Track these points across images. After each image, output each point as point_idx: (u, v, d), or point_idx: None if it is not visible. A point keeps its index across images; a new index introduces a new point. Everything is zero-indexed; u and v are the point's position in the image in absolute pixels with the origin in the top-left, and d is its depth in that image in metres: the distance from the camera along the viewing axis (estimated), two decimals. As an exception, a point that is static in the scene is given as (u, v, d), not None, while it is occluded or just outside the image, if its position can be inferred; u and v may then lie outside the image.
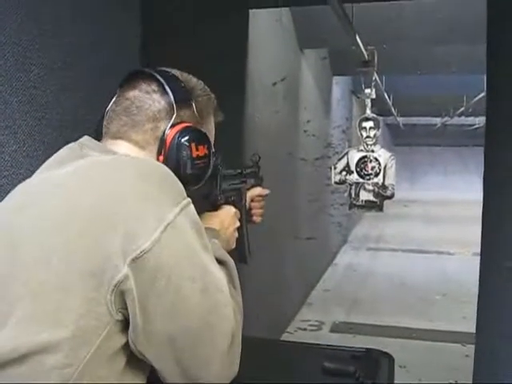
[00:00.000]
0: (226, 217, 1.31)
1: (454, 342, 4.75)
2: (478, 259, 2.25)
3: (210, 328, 0.91)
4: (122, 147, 1.06)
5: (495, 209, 1.96)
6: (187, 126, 1.07)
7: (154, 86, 1.08)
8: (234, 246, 1.31)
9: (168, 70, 1.12)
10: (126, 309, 0.87)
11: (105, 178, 0.93)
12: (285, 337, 4.99)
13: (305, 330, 5.37)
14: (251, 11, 3.50)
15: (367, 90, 4.52)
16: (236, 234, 1.34)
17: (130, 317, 0.87)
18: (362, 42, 4.03)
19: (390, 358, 1.87)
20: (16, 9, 1.32)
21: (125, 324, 0.89)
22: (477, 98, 7.68)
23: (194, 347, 0.90)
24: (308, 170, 6.24)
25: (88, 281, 0.85)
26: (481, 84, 2.16)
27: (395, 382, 1.85)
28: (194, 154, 1.07)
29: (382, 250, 9.68)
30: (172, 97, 1.06)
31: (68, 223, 0.88)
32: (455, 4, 4.53)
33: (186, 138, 1.06)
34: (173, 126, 1.06)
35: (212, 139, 1.17)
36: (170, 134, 1.06)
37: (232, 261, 1.11)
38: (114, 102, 1.10)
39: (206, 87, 1.16)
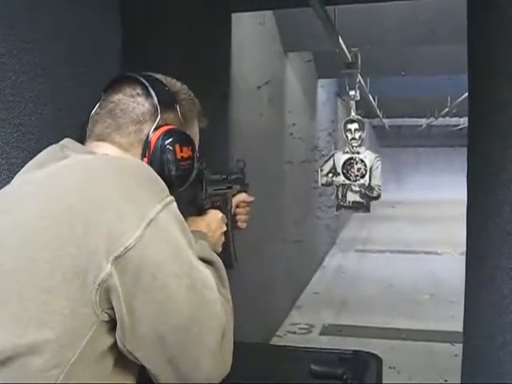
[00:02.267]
0: (213, 220, 1.32)
1: (443, 341, 4.77)
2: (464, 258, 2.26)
3: (198, 325, 0.91)
4: (106, 149, 1.06)
5: (479, 208, 1.97)
6: (171, 128, 1.08)
7: (139, 90, 1.09)
8: (220, 249, 1.31)
9: (152, 74, 1.13)
10: (112, 309, 0.87)
11: (85, 178, 0.93)
12: (274, 340, 4.98)
13: (294, 333, 5.37)
14: (234, 15, 3.49)
15: (351, 92, 4.53)
16: (223, 238, 1.35)
17: (117, 316, 0.87)
18: (345, 44, 4.04)
19: (377, 360, 1.88)
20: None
21: (111, 324, 0.89)
22: (461, 99, 7.72)
23: (183, 345, 0.90)
24: (295, 173, 6.24)
25: (72, 282, 0.85)
26: (464, 84, 2.16)
27: (384, 382, 1.85)
28: (178, 155, 1.08)
29: (370, 251, 9.70)
30: (156, 99, 1.07)
31: (50, 225, 0.88)
32: (436, 5, 4.56)
33: (170, 139, 1.07)
34: (156, 128, 1.07)
35: (197, 143, 1.18)
36: (154, 136, 1.06)
37: (220, 261, 1.11)
38: (98, 106, 1.11)
39: (191, 92, 1.18)
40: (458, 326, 2.36)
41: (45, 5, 1.49)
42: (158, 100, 1.07)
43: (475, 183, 2.04)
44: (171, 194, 0.98)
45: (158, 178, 0.97)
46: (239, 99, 3.83)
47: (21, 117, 1.39)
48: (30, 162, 1.05)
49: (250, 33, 4.36)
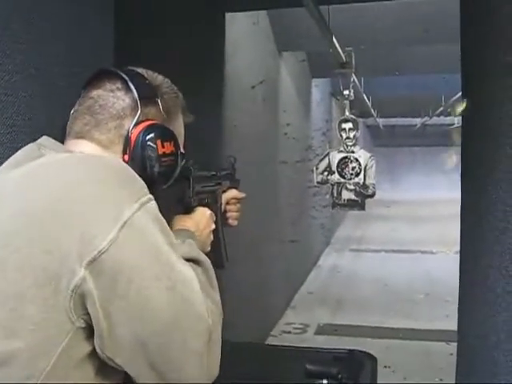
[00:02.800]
0: (202, 218, 1.27)
1: (438, 340, 4.78)
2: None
3: (181, 329, 0.86)
4: (85, 147, 1.02)
5: (473, 207, 1.97)
6: (152, 124, 1.04)
7: (119, 84, 1.05)
8: (209, 248, 1.27)
9: (133, 68, 1.09)
10: (89, 314, 0.84)
11: (56, 179, 0.90)
12: (269, 340, 4.98)
13: (289, 332, 5.37)
14: (228, 14, 3.49)
15: (345, 92, 4.54)
16: (211, 237, 1.30)
17: (94, 322, 0.83)
18: (339, 43, 4.05)
19: (372, 359, 1.88)
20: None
21: (89, 330, 0.85)
22: (455, 98, 7.75)
23: (166, 349, 0.86)
24: (289, 173, 6.24)
25: (44, 287, 0.81)
26: (458, 83, 2.17)
27: (380, 382, 1.85)
28: (160, 151, 1.04)
29: (365, 251, 9.72)
30: (136, 94, 1.03)
31: (21, 228, 0.85)
32: (430, 4, 4.58)
33: (151, 135, 1.02)
34: (137, 123, 1.03)
35: (181, 139, 1.14)
36: (135, 131, 1.02)
37: (208, 260, 1.07)
38: (77, 103, 1.07)
39: (174, 86, 1.14)
40: (452, 325, 2.36)
41: (39, 5, 1.48)
42: (139, 94, 1.03)
43: (469, 183, 2.04)
44: (154, 191, 0.95)
45: (136, 176, 0.94)
46: (233, 99, 3.83)
47: (14, 117, 1.38)
48: (6, 162, 1.01)
49: (244, 32, 4.37)
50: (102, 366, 0.88)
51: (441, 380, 4.00)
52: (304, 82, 7.67)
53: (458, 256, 2.17)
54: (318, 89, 8.63)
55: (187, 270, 0.92)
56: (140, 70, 1.09)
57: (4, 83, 1.36)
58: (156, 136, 1.03)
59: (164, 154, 1.04)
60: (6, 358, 0.81)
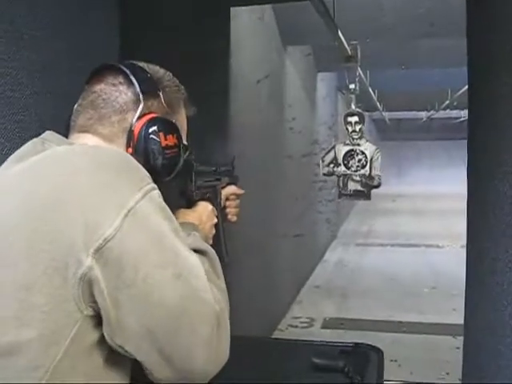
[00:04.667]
0: (204, 212, 1.29)
1: (445, 334, 4.78)
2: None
3: (188, 315, 0.87)
4: (87, 140, 1.03)
5: (479, 200, 1.97)
6: (155, 116, 1.06)
7: (121, 78, 1.07)
8: (211, 242, 1.28)
9: (135, 62, 1.11)
10: (96, 302, 0.84)
11: (60, 169, 0.90)
12: (276, 334, 4.99)
13: (296, 327, 5.38)
14: (233, 9, 3.48)
15: (351, 86, 4.52)
16: (213, 230, 1.32)
17: (102, 311, 0.84)
18: (344, 37, 4.03)
19: (379, 352, 1.88)
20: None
21: (97, 319, 0.86)
22: (461, 91, 7.71)
23: (174, 336, 0.86)
24: (295, 167, 6.24)
25: (52, 277, 0.82)
26: (465, 77, 2.16)
27: (386, 375, 1.85)
28: (163, 143, 1.05)
29: (371, 245, 9.71)
30: (138, 87, 1.05)
31: (27, 221, 0.86)
32: (435, -2, 4.56)
33: (154, 127, 1.04)
34: (140, 116, 1.04)
35: (184, 131, 1.15)
36: (138, 124, 1.04)
37: (213, 250, 1.08)
38: (81, 97, 1.09)
39: (175, 79, 1.15)
40: (459, 318, 2.36)
41: (44, 2, 1.49)
42: (141, 88, 1.05)
43: (475, 176, 2.04)
44: (158, 184, 0.96)
45: (139, 166, 0.94)
46: (238, 94, 3.82)
47: (21, 113, 1.39)
48: (11, 156, 1.02)
49: (249, 27, 4.36)
50: (111, 354, 0.89)
51: (447, 374, 4.01)
52: (309, 76, 7.65)
53: (463, 250, 2.17)
54: (324, 83, 8.61)
55: (193, 257, 0.92)
56: (142, 64, 1.11)
57: (11, 79, 1.36)
58: (159, 129, 1.05)
59: (167, 147, 1.06)
60: (18, 348, 0.82)
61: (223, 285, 1.02)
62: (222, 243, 1.42)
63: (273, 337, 4.62)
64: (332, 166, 4.55)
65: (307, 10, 3.49)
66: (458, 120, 13.44)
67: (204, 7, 2.81)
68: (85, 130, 1.05)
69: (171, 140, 1.07)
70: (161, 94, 1.09)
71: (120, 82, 1.06)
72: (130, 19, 1.97)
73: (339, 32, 3.85)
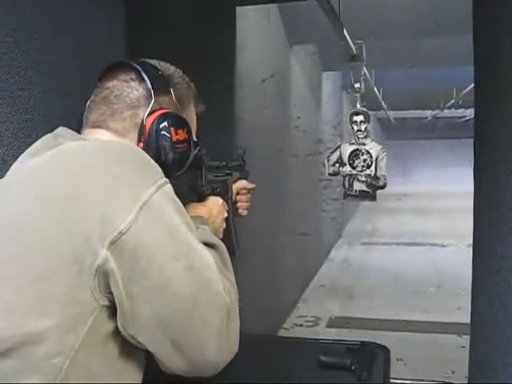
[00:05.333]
0: (214, 206, 1.32)
1: (450, 333, 4.78)
2: (471, 250, 2.26)
3: (200, 306, 0.89)
4: (100, 135, 1.06)
5: (486, 199, 1.97)
6: (166, 112, 1.08)
7: (132, 75, 1.09)
8: (221, 236, 1.31)
9: (146, 60, 1.14)
10: (112, 293, 0.87)
11: (73, 165, 0.92)
12: (281, 333, 4.99)
13: (301, 325, 5.38)
14: (238, 8, 3.48)
15: (356, 85, 4.51)
16: (224, 225, 1.35)
17: (116, 301, 0.86)
18: (349, 36, 4.03)
19: (385, 351, 1.88)
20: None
21: (113, 309, 0.88)
22: (466, 90, 7.70)
23: (186, 327, 0.88)
24: (300, 166, 6.24)
25: (69, 268, 0.84)
26: (470, 75, 2.15)
27: (392, 374, 1.85)
28: (174, 138, 1.08)
29: (376, 244, 9.70)
30: (149, 83, 1.07)
31: (44, 214, 0.88)
32: (441, -4, 4.56)
33: (165, 123, 1.07)
34: (151, 112, 1.07)
35: (194, 127, 1.18)
36: (149, 120, 1.06)
37: (222, 244, 1.10)
38: (93, 94, 1.12)
39: (185, 76, 1.18)
40: (464, 317, 2.36)
41: (50, 1, 1.50)
42: (152, 84, 1.07)
43: (482, 174, 2.04)
44: (169, 178, 0.97)
45: (151, 160, 0.96)
46: (244, 93, 3.83)
47: (29, 112, 1.40)
48: (25, 152, 1.04)
49: (255, 26, 4.36)
50: (125, 344, 0.91)
51: (452, 372, 4.00)
52: (315, 75, 7.64)
53: (469, 249, 2.17)
54: (329, 82, 8.60)
55: (204, 250, 0.94)
56: (153, 62, 1.14)
57: (19, 78, 1.37)
58: (169, 124, 1.07)
59: (178, 141, 1.09)
60: (39, 336, 0.84)
61: (233, 277, 1.04)
62: (233, 237, 1.44)
63: (279, 335, 4.63)
64: (337, 165, 4.54)
65: (313, 9, 3.50)
66: (464, 119, 13.41)
67: (210, 7, 2.82)
68: (97, 125, 1.08)
69: (182, 135, 1.09)
70: (171, 90, 1.11)
71: (132, 79, 1.09)
72: (136, 18, 1.98)
73: (344, 31, 3.85)
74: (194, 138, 1.15)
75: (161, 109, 1.08)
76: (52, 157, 0.96)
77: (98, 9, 1.72)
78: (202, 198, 1.33)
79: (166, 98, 1.10)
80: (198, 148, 1.18)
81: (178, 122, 1.10)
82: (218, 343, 0.90)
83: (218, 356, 0.91)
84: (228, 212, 1.39)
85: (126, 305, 0.86)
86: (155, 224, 0.88)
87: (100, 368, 0.88)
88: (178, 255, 0.88)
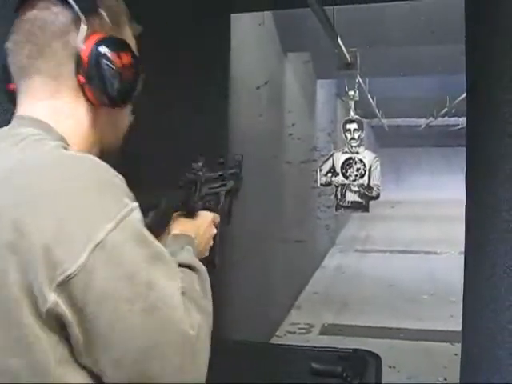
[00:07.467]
0: (203, 224, 1.25)
1: (443, 341, 4.78)
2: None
3: (160, 346, 0.82)
4: (42, 106, 0.93)
5: (477, 206, 1.98)
6: (102, 36, 0.93)
7: (53, 0, 0.92)
8: (207, 254, 1.26)
9: None
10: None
11: (24, 189, 0.82)
12: (274, 340, 4.99)
13: (294, 333, 5.38)
14: (233, 15, 3.50)
15: (350, 93, 4.54)
16: (211, 242, 1.28)
17: (71, 340, 0.81)
18: (344, 44, 4.06)
19: (377, 358, 1.89)
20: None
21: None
22: (460, 99, 7.74)
23: (143, 366, 0.82)
24: (294, 173, 6.25)
25: (26, 309, 0.79)
26: (463, 84, 2.17)
27: (384, 381, 1.86)
28: (118, 63, 0.93)
29: (370, 251, 9.72)
30: (75, 5, 0.91)
31: None
32: (435, 6, 4.58)
33: (104, 47, 0.92)
34: (85, 38, 0.91)
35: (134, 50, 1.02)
36: (85, 47, 0.91)
37: (204, 268, 1.03)
38: (12, 33, 0.94)
39: None
40: (457, 325, 2.37)
41: None
42: (79, 5, 0.91)
43: (473, 183, 2.05)
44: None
45: (116, 181, 0.85)
46: (238, 100, 3.84)
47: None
48: None
49: (249, 33, 4.38)
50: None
51: (445, 379, 4.01)
52: (309, 82, 7.68)
53: (462, 256, 2.18)
54: (323, 90, 8.64)
55: (171, 286, 0.86)
56: None
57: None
58: (109, 48, 0.93)
59: (123, 66, 0.94)
60: (11, 376, 0.80)
61: (210, 307, 0.96)
62: (217, 249, 1.40)
63: (272, 342, 4.62)
64: (330, 175, 4.54)
65: (307, 16, 3.52)
66: (456, 127, 13.48)
67: (204, 14, 2.83)
68: (27, 73, 0.93)
69: (126, 58, 0.95)
70: (102, 11, 0.96)
71: (53, 4, 0.92)
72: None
73: (339, 39, 3.87)
74: (138, 57, 1.00)
75: (94, 33, 0.92)
76: (9, 170, 0.84)
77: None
78: (192, 215, 1.26)
79: (96, 20, 0.94)
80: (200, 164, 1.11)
81: (119, 45, 0.95)
82: (179, 378, 0.84)
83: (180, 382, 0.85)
84: (217, 226, 1.32)
85: (80, 342, 0.80)
86: (109, 266, 0.79)
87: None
88: (134, 298, 0.80)
